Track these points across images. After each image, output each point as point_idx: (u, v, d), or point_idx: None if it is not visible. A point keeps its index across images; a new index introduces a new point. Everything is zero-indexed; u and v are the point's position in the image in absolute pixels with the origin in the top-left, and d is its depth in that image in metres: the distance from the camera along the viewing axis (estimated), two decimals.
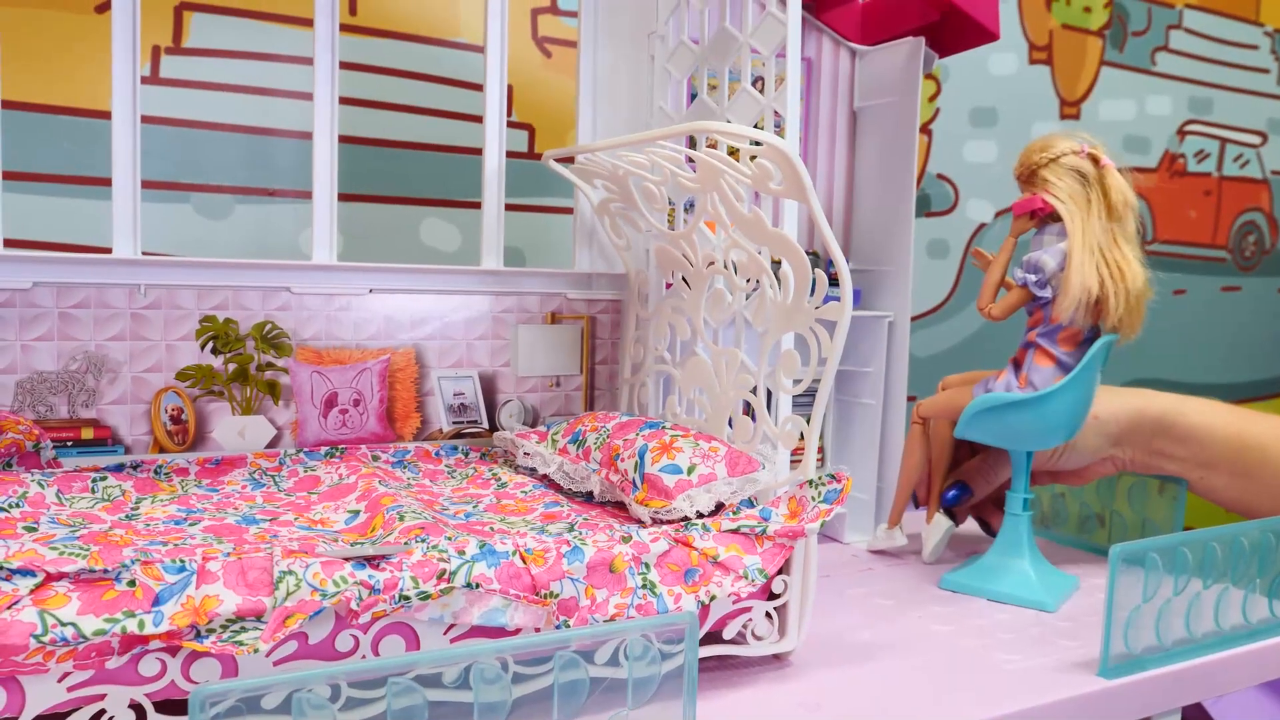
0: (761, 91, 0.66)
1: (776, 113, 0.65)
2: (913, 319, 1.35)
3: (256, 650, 0.43)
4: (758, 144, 0.56)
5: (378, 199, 1.02)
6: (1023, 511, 0.75)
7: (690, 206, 0.75)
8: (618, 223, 0.79)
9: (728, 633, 0.58)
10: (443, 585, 0.48)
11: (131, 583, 0.44)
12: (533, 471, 0.74)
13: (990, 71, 1.42)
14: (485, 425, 0.81)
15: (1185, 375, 1.67)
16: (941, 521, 0.82)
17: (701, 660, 0.58)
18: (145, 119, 0.69)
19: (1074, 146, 0.70)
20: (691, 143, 0.73)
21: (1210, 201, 1.68)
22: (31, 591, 0.42)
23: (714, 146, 0.67)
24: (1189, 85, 1.62)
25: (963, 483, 0.81)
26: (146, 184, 0.70)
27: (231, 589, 0.45)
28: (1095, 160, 0.70)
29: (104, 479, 0.64)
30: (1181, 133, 1.63)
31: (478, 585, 0.49)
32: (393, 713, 0.40)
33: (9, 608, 0.42)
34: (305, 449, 0.74)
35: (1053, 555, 0.83)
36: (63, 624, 0.42)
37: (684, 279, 0.73)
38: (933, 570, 0.80)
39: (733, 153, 0.61)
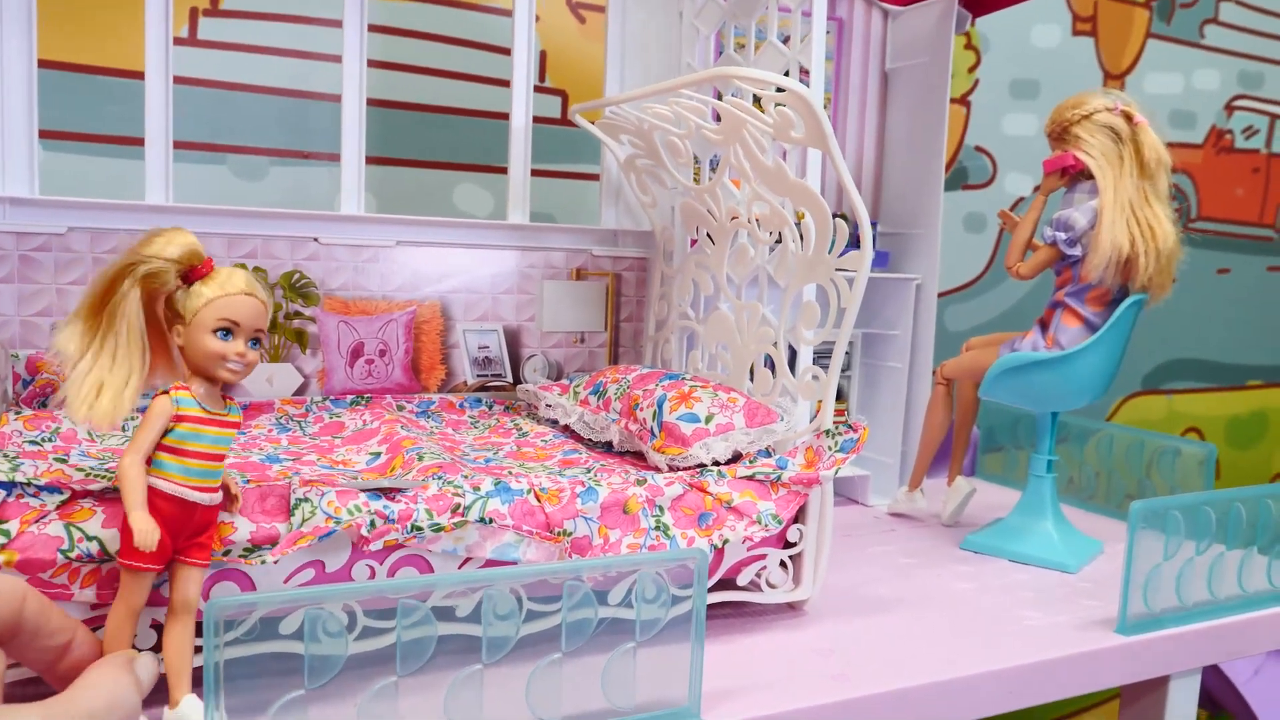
0: (788, 47, 0.66)
1: (803, 69, 0.64)
2: (947, 293, 1.34)
3: (264, 562, 0.44)
4: (780, 92, 0.56)
5: (412, 163, 1.02)
6: (1046, 474, 0.74)
7: (715, 164, 0.75)
8: (644, 180, 0.79)
9: (742, 579, 0.58)
10: (456, 519, 0.49)
11: None
12: (554, 423, 0.75)
13: (1032, 43, 1.40)
14: (509, 379, 0.82)
15: (1227, 356, 1.64)
16: (962, 484, 0.82)
17: (716, 607, 0.58)
18: (183, 80, 0.70)
19: (1107, 104, 0.69)
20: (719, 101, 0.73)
21: (1258, 179, 1.64)
22: (58, 507, 0.44)
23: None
24: (1239, 59, 1.58)
25: None
26: (184, 144, 0.71)
27: (247, 516, 0.46)
28: (1128, 118, 0.69)
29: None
30: (1229, 108, 1.59)
31: (491, 520, 0.50)
32: (403, 644, 0.40)
33: (37, 522, 0.43)
34: (332, 397, 0.75)
35: (1079, 522, 0.82)
36: (88, 538, 0.43)
37: (708, 235, 0.73)
38: (955, 533, 0.80)
39: (757, 106, 0.61)
